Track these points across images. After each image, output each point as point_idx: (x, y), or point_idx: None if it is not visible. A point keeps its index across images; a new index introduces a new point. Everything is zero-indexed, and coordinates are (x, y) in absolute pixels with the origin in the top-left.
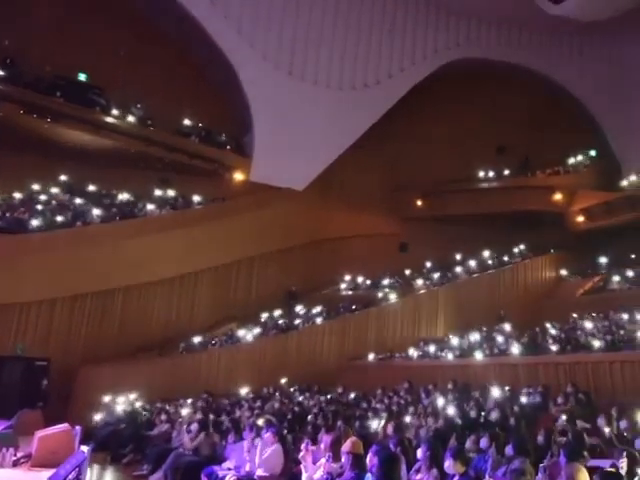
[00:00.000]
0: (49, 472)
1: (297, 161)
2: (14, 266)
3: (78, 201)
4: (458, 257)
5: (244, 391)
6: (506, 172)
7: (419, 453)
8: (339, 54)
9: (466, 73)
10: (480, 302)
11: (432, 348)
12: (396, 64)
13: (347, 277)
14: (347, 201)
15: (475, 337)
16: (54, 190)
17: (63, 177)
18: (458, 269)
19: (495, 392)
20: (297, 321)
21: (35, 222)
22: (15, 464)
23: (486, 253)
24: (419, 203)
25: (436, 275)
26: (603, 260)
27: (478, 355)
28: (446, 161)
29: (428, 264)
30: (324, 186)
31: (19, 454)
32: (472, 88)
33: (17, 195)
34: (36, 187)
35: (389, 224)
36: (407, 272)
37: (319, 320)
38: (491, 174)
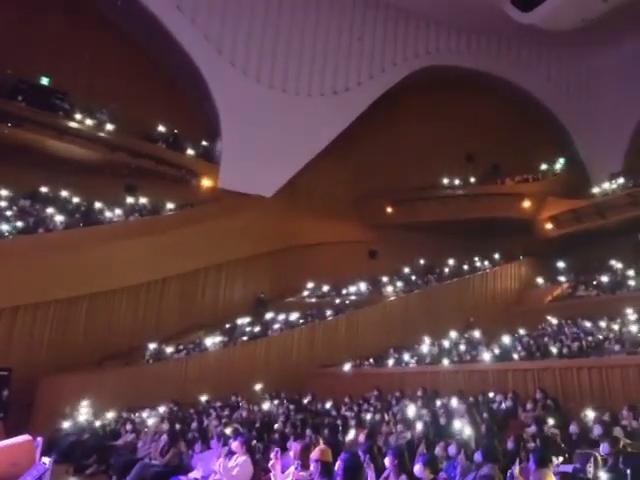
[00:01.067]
0: None
1: (266, 168)
2: None
3: (43, 208)
4: (428, 264)
5: (211, 399)
6: (473, 180)
7: (386, 461)
8: (308, 61)
9: (435, 81)
10: (450, 309)
11: (403, 355)
12: (365, 71)
13: (314, 284)
14: (316, 208)
15: (445, 344)
16: (4, 193)
17: (25, 183)
18: (429, 276)
19: (462, 399)
20: (263, 328)
21: None
22: None
23: (455, 260)
24: (389, 210)
25: (406, 282)
26: (571, 267)
27: (447, 362)
28: (415, 168)
29: (398, 271)
30: (293, 193)
31: None
32: (441, 96)
33: None
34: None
35: (358, 231)
36: (377, 279)
37: (288, 327)
38: (459, 182)
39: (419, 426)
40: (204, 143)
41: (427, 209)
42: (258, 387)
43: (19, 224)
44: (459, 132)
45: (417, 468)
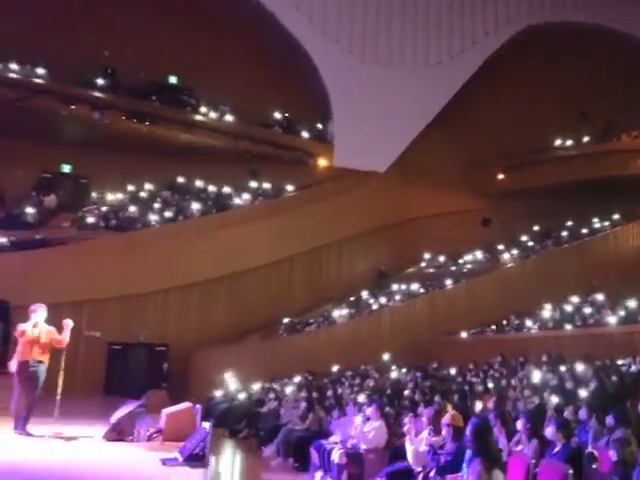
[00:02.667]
0: (179, 445)
1: (377, 144)
2: (130, 261)
3: (182, 198)
4: (545, 228)
5: (342, 369)
6: (586, 139)
7: (518, 425)
8: (410, 34)
9: (542, 40)
10: (570, 273)
11: (524, 321)
12: (468, 38)
13: (431, 255)
14: (428, 180)
15: (567, 308)
16: (157, 188)
17: (166, 174)
18: (546, 241)
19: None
20: (385, 300)
21: (145, 219)
22: (149, 439)
23: (572, 223)
24: (500, 177)
25: (523, 248)
26: None
27: (570, 326)
28: (525, 132)
29: (513, 237)
30: (404, 166)
31: (151, 430)
32: (549, 55)
33: (125, 195)
34: (142, 186)
35: (470, 200)
36: (493, 246)
37: (410, 298)
38: (572, 142)
39: (546, 391)
40: (318, 125)
41: (540, 173)
42: (385, 356)
43: (164, 214)
44: (568, 91)
45: (549, 431)
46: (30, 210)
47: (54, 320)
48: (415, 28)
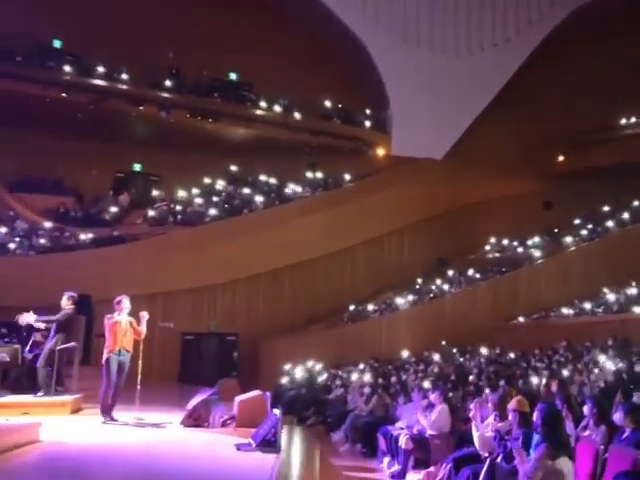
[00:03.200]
0: (251, 431)
1: (434, 130)
2: (199, 254)
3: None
4: (607, 211)
5: (406, 355)
6: None
7: (585, 410)
8: (465, 18)
9: (602, 15)
10: (635, 255)
11: (587, 305)
12: (523, 18)
13: (492, 240)
14: (486, 164)
15: (632, 291)
16: (221, 183)
17: (230, 169)
18: (609, 223)
19: None
20: (448, 286)
21: (211, 213)
22: (223, 425)
23: (637, 204)
24: (561, 158)
25: (585, 231)
26: None
27: (637, 310)
28: (587, 112)
29: (576, 220)
30: (462, 152)
31: (225, 416)
32: (611, 30)
33: (192, 191)
34: (207, 181)
35: (531, 183)
36: (554, 230)
37: (470, 284)
38: (635, 120)
39: (613, 375)
40: (375, 114)
41: (603, 153)
42: (447, 342)
43: (228, 208)
44: (632, 67)
45: (617, 416)
46: (108, 208)
47: (132, 312)
48: (469, 12)
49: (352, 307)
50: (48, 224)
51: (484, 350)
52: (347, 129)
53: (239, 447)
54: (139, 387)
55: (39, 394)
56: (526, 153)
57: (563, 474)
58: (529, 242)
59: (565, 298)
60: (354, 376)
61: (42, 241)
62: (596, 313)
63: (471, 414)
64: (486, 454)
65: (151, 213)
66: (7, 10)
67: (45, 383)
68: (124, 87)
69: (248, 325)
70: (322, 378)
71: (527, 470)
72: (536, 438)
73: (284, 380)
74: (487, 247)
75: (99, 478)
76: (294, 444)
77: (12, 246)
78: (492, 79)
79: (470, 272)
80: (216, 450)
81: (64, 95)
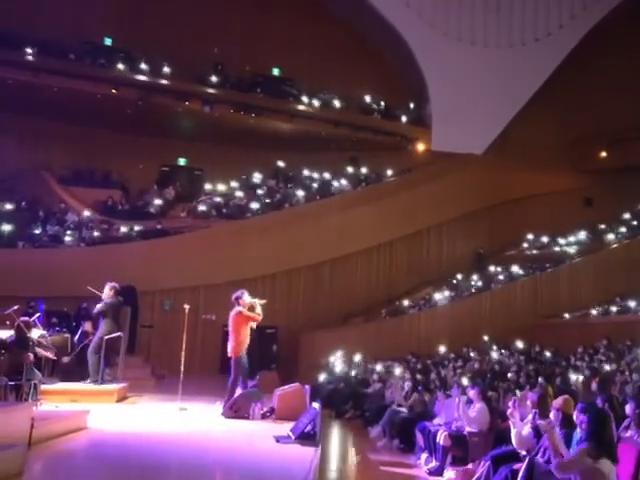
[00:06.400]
0: (290, 424)
1: (475, 125)
2: (240, 247)
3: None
4: None
5: (444, 351)
6: None
7: (627, 409)
8: (506, 13)
9: None
10: None
11: (631, 303)
12: (566, 12)
13: (531, 237)
14: (526, 160)
15: None
16: (262, 177)
17: (274, 163)
18: None
19: None
20: (486, 282)
21: (253, 207)
22: (263, 417)
23: None
24: (603, 154)
25: (627, 228)
26: None
27: None
28: (629, 106)
29: (617, 217)
30: (503, 147)
31: (265, 409)
32: None
33: (234, 185)
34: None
35: (572, 179)
36: (596, 227)
37: (510, 280)
38: None
39: None
40: (415, 109)
41: None
42: (486, 338)
43: (270, 202)
44: None
45: None
46: (153, 202)
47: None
48: (511, 6)
49: (391, 301)
50: (97, 217)
51: (523, 347)
52: (388, 124)
53: (278, 439)
54: (182, 378)
55: (88, 381)
56: (567, 149)
57: (604, 475)
58: (570, 239)
59: (606, 296)
60: (393, 371)
61: (94, 233)
62: (637, 312)
63: (509, 412)
64: (524, 452)
65: (201, 207)
66: (57, 9)
67: (94, 370)
68: (170, 83)
69: (288, 318)
70: (360, 372)
71: (562, 461)
72: (577, 437)
73: (323, 374)
74: (525, 244)
75: (141, 464)
76: (332, 438)
77: (68, 239)
78: (533, 74)
79: (508, 269)
80: (255, 442)
81: (114, 91)
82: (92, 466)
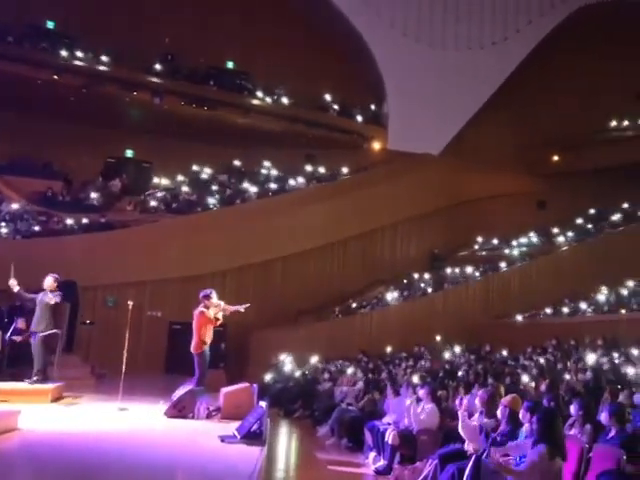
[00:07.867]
0: (236, 423)
1: (431, 126)
2: (189, 243)
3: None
4: (600, 211)
5: (391, 350)
6: None
7: (572, 409)
8: (465, 15)
9: (598, 20)
10: (626, 256)
11: (578, 305)
12: (523, 18)
13: (484, 238)
14: (481, 162)
15: (623, 292)
16: (214, 172)
17: (222, 159)
18: (601, 224)
19: None
20: (439, 282)
21: (204, 202)
22: (208, 416)
23: (630, 206)
24: (555, 158)
25: (578, 231)
26: None
27: (625, 311)
28: (581, 113)
29: (569, 220)
30: (458, 149)
31: (210, 408)
32: (605, 34)
33: (185, 179)
34: (204, 170)
35: (525, 182)
36: (547, 230)
37: (463, 281)
38: (628, 122)
39: (601, 375)
40: (372, 108)
41: (596, 154)
42: (438, 338)
43: (221, 198)
44: (626, 71)
45: (603, 417)
46: (96, 194)
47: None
48: (469, 9)
49: (343, 300)
50: (34, 207)
51: (474, 346)
52: (344, 122)
53: (223, 439)
54: (123, 377)
55: (33, 379)
56: (521, 152)
57: (559, 474)
58: (522, 240)
59: (556, 297)
60: (344, 370)
61: (33, 226)
62: (586, 313)
63: (458, 410)
64: (472, 451)
65: (152, 203)
66: None
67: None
68: (116, 71)
69: (237, 316)
70: (310, 371)
71: (522, 470)
72: (523, 435)
73: (272, 372)
74: (476, 246)
75: (77, 465)
76: (280, 437)
77: (3, 231)
78: (490, 77)
79: (461, 269)
80: (200, 441)
81: (56, 77)
82: (26, 466)
